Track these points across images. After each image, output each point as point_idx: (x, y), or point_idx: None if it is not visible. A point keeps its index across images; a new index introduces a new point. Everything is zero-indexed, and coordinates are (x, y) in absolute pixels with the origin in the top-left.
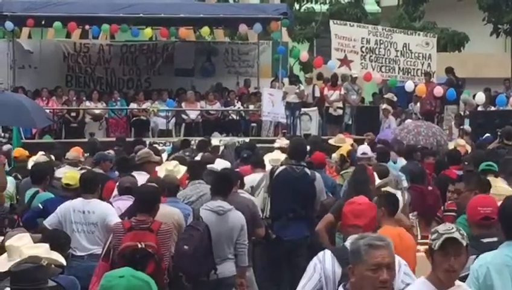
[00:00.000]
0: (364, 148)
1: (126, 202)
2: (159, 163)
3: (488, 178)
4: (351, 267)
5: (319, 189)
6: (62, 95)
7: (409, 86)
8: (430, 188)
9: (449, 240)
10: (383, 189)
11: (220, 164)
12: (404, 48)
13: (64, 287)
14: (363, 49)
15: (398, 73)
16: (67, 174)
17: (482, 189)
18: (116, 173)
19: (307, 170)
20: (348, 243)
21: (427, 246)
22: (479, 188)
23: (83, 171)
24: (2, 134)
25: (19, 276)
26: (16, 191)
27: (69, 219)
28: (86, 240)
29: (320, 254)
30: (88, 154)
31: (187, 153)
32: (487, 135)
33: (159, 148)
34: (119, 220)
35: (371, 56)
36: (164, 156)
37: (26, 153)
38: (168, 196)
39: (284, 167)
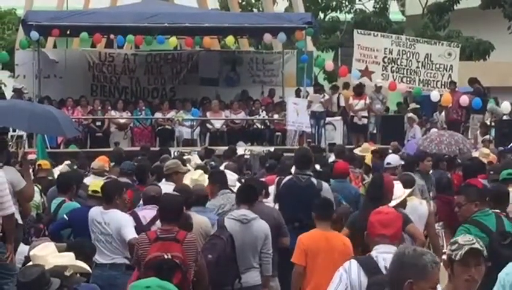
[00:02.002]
0: (389, 158)
1: (151, 211)
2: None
3: (510, 188)
4: (411, 282)
5: None
6: (87, 105)
7: (434, 95)
8: (456, 198)
9: (471, 250)
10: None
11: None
12: (426, 59)
13: None
14: (385, 59)
15: (419, 84)
16: (94, 182)
17: (482, 200)
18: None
19: (313, 179)
20: (402, 256)
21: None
22: (479, 200)
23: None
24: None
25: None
26: (42, 200)
27: (91, 228)
28: (106, 250)
29: (346, 263)
30: (113, 163)
31: (212, 163)
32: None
33: (185, 157)
34: (134, 232)
35: (392, 67)
36: (198, 161)
37: (48, 164)
38: (196, 205)
39: (290, 176)
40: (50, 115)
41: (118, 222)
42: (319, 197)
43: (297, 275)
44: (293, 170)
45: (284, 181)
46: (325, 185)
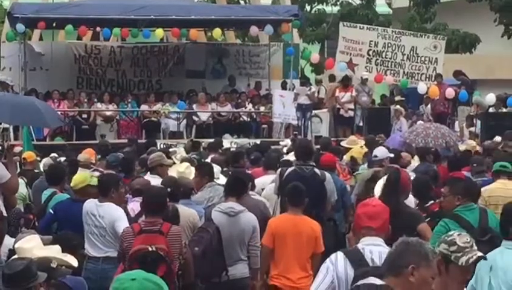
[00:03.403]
0: (376, 151)
1: (139, 204)
2: (171, 166)
3: (500, 180)
4: (414, 267)
5: (330, 189)
6: (73, 98)
7: (421, 87)
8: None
9: (478, 259)
10: None
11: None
12: (411, 52)
13: (71, 288)
14: (370, 52)
15: (403, 77)
16: (74, 177)
17: (465, 194)
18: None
19: (316, 170)
20: (406, 244)
21: None
22: (462, 194)
23: (95, 173)
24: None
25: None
26: (28, 193)
27: (85, 220)
28: (100, 243)
29: (333, 255)
30: (99, 156)
31: (193, 156)
32: (497, 137)
33: (171, 149)
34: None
35: (377, 60)
36: (184, 154)
37: (35, 156)
38: (183, 198)
39: (293, 168)
40: (33, 106)
41: (112, 215)
42: (293, 185)
43: (264, 255)
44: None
45: (287, 172)
46: (328, 175)
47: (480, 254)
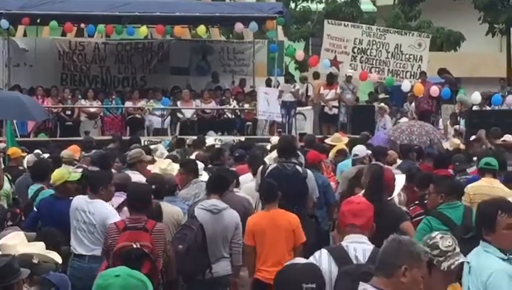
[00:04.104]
0: (355, 150)
1: (118, 198)
2: (151, 162)
3: (485, 178)
4: (406, 268)
5: (311, 186)
6: (57, 96)
7: (405, 85)
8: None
9: (461, 264)
10: None
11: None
12: (396, 49)
13: (55, 284)
14: (355, 50)
15: (387, 75)
16: (52, 174)
17: (449, 192)
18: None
19: (298, 167)
20: (396, 242)
21: None
22: (445, 192)
23: (79, 169)
24: None
25: None
26: (12, 189)
27: (73, 216)
28: (87, 240)
29: (317, 253)
30: (84, 153)
31: (174, 153)
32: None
33: (152, 146)
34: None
35: (361, 57)
36: (164, 151)
37: (20, 152)
38: (167, 195)
39: (275, 164)
40: (17, 100)
41: (103, 212)
42: (265, 183)
43: (248, 254)
44: (267, 159)
45: (269, 169)
46: (309, 172)
47: (462, 259)
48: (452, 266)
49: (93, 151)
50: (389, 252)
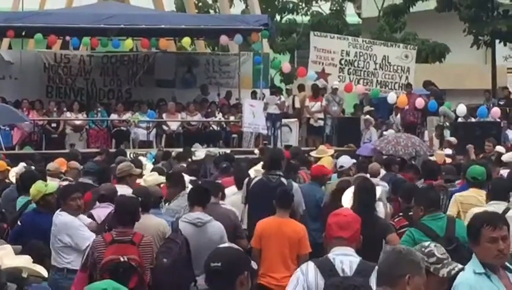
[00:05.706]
0: (340, 161)
1: (105, 209)
2: (139, 176)
3: (473, 189)
4: (410, 277)
5: (297, 199)
6: (42, 108)
7: (391, 97)
8: None
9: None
10: None
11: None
12: (383, 61)
13: None
14: (342, 61)
15: (376, 86)
16: (30, 190)
17: (429, 205)
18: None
19: (283, 179)
20: (399, 252)
21: None
22: (424, 205)
23: (64, 182)
24: None
25: None
26: None
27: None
28: (60, 252)
29: (304, 265)
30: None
31: (159, 165)
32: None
33: (139, 158)
34: (80, 236)
35: (349, 69)
36: (149, 166)
37: (5, 166)
38: (153, 207)
39: (260, 177)
40: None
41: (61, 224)
42: (282, 189)
43: (254, 257)
44: (252, 172)
45: (254, 181)
46: (295, 184)
47: (461, 265)
48: (452, 272)
49: (88, 163)
50: (391, 263)
